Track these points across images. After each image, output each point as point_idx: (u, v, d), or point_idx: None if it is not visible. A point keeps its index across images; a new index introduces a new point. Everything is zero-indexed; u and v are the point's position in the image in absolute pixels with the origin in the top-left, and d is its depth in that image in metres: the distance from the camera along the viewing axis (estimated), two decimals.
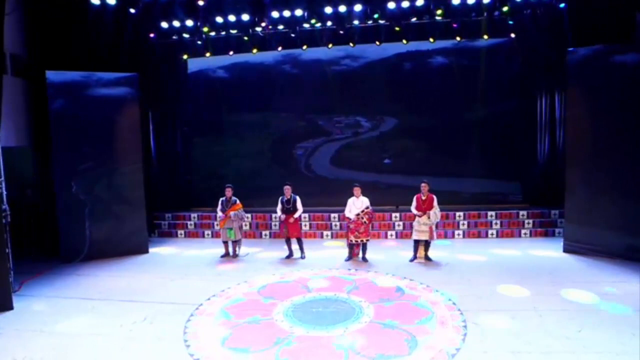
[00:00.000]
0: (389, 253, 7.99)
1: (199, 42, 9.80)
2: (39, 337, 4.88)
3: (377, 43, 9.52)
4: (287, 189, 7.61)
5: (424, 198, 7.25)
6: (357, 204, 7.36)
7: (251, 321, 5.14)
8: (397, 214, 9.33)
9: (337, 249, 8.38)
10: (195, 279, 6.82)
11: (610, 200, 7.08)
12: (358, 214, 7.29)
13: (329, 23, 9.21)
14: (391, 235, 9.24)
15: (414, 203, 7.34)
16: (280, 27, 9.37)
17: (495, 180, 10.11)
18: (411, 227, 7.62)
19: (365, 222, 7.31)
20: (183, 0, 8.76)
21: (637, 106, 6.82)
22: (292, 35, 9.45)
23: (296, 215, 7.60)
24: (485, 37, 9.31)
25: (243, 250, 8.22)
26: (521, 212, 9.12)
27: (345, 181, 9.19)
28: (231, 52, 10.01)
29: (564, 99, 8.61)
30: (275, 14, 8.93)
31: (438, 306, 5.39)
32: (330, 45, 9.67)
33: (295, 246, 7.78)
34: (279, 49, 9.80)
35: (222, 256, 7.99)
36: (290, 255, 7.78)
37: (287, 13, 8.88)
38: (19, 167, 8.76)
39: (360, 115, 10.49)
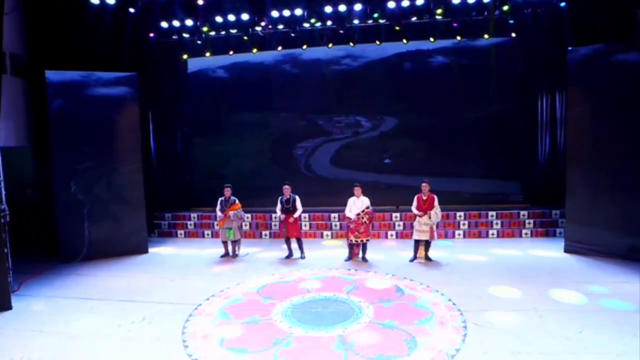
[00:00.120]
0: (389, 253, 7.97)
1: (199, 42, 9.79)
2: (38, 337, 4.87)
3: (377, 43, 9.51)
4: (287, 189, 7.59)
5: (424, 198, 7.22)
6: (357, 204, 7.34)
7: (250, 321, 5.12)
8: (398, 214, 9.30)
9: (336, 248, 8.36)
10: (195, 279, 6.80)
11: (611, 200, 7.05)
12: (358, 214, 7.27)
13: (329, 22, 9.20)
14: (391, 235, 9.21)
15: (415, 203, 7.32)
16: (280, 26, 9.36)
17: (496, 180, 10.07)
18: (411, 227, 7.60)
19: (365, 222, 7.29)
20: None
21: (638, 106, 6.78)
22: (292, 34, 9.44)
23: (296, 215, 7.58)
24: (486, 36, 9.29)
25: (243, 250, 8.21)
26: (522, 212, 9.09)
27: (346, 181, 9.16)
28: (231, 52, 10.00)
29: (564, 99, 8.58)
30: (275, 14, 8.92)
31: (438, 306, 5.36)
32: (330, 45, 9.65)
33: (294, 245, 7.75)
34: (279, 48, 9.79)
35: (222, 256, 7.97)
36: (290, 255, 7.76)
37: (287, 12, 8.87)
38: (19, 167, 8.76)
39: (361, 115, 10.47)
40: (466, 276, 6.49)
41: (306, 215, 9.42)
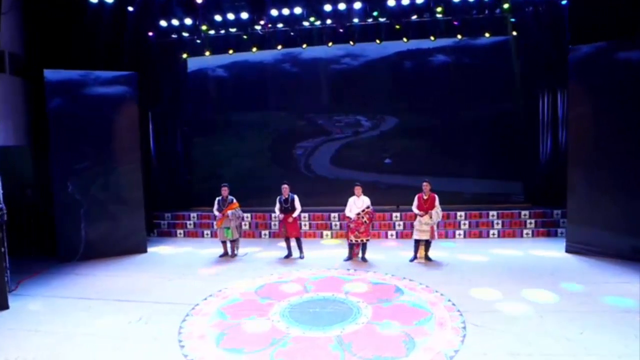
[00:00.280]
0: (389, 253, 7.92)
1: (198, 41, 9.77)
2: (34, 337, 4.84)
3: (378, 41, 9.45)
4: (285, 188, 7.55)
5: (425, 197, 7.17)
6: (357, 204, 7.29)
7: (247, 321, 5.07)
8: (398, 214, 9.25)
9: (336, 248, 8.31)
10: (193, 279, 6.77)
11: (613, 200, 6.97)
12: (358, 214, 7.22)
13: (329, 21, 9.16)
14: (391, 235, 9.16)
15: (416, 202, 7.26)
16: (280, 25, 9.32)
17: (497, 180, 9.99)
18: (412, 227, 7.54)
19: (365, 221, 7.24)
20: None
21: None
22: (292, 33, 9.40)
23: (295, 214, 7.53)
24: (487, 35, 9.22)
25: (242, 250, 8.17)
26: (523, 212, 9.01)
27: (345, 181, 9.09)
28: (231, 51, 9.96)
29: (565, 98, 8.50)
30: (274, 12, 8.88)
31: (437, 307, 5.31)
32: (330, 44, 9.60)
33: (294, 245, 7.71)
34: (279, 47, 9.75)
35: (221, 256, 7.94)
36: (289, 255, 7.72)
37: (286, 11, 8.83)
38: (18, 166, 8.75)
39: (361, 115, 10.41)
40: (466, 276, 6.44)
41: (306, 214, 9.38)
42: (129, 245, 8.21)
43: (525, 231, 8.83)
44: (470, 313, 5.08)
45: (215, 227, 8.28)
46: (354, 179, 8.86)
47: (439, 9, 8.56)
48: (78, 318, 5.35)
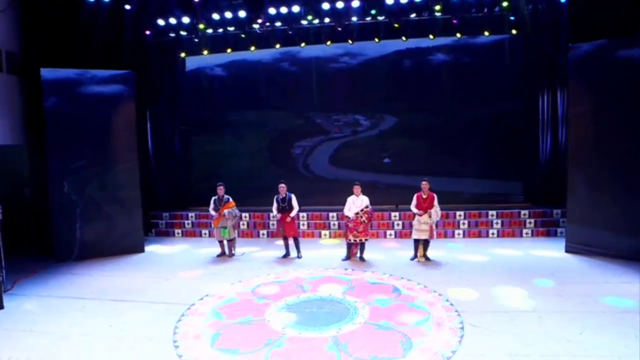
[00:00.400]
0: (388, 253, 7.87)
1: (196, 40, 9.72)
2: (28, 337, 4.80)
3: (376, 40, 9.40)
4: (282, 188, 7.50)
5: (424, 196, 7.12)
6: (356, 203, 7.23)
7: (243, 322, 5.03)
8: (397, 214, 9.19)
9: (334, 248, 8.27)
10: (190, 279, 6.73)
11: (613, 200, 6.91)
12: (357, 213, 7.17)
13: (327, 20, 9.10)
14: (390, 235, 9.10)
15: (414, 201, 7.21)
16: (278, 24, 9.26)
17: (497, 180, 9.93)
18: (410, 226, 7.49)
19: (364, 221, 7.18)
20: None
21: None
22: (290, 32, 9.35)
23: (292, 214, 7.49)
24: (486, 33, 9.15)
25: (239, 249, 8.13)
26: (522, 212, 8.96)
27: (344, 181, 9.00)
28: (229, 50, 9.91)
29: (566, 97, 8.44)
30: (272, 11, 8.83)
31: (435, 307, 5.25)
32: (328, 43, 9.54)
33: (292, 243, 7.66)
34: (277, 46, 9.69)
35: (218, 255, 7.89)
36: (287, 255, 7.67)
37: (284, 10, 8.77)
38: (15, 165, 8.73)
39: (360, 114, 10.37)
40: (465, 276, 6.38)
41: (304, 214, 9.34)
42: (126, 245, 8.17)
43: (524, 231, 8.77)
44: (468, 313, 5.02)
45: (212, 226, 8.24)
46: (352, 178, 8.77)
47: (437, 8, 8.49)
48: (73, 318, 5.30)
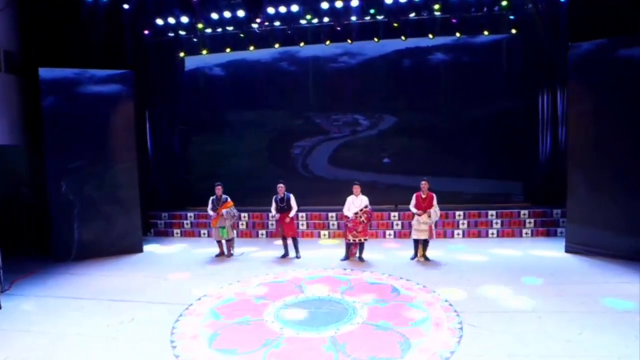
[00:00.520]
0: (387, 253, 7.84)
1: (195, 40, 9.71)
2: (25, 337, 4.78)
3: (376, 40, 9.38)
4: (281, 187, 7.48)
5: (423, 196, 7.09)
6: (356, 203, 7.21)
7: (241, 322, 5.00)
8: (396, 214, 9.17)
9: (333, 248, 8.24)
10: (188, 279, 6.71)
11: (612, 199, 6.88)
12: (356, 213, 7.14)
13: (326, 19, 9.08)
14: (389, 235, 9.08)
15: (413, 201, 7.18)
16: (277, 23, 9.25)
17: (496, 180, 9.90)
18: (410, 226, 7.46)
19: (363, 221, 7.16)
20: None
21: None
22: (289, 32, 9.33)
23: (291, 214, 7.46)
24: (486, 33, 9.13)
25: (238, 249, 8.11)
26: (522, 212, 8.93)
27: (344, 181, 8.94)
28: (228, 50, 9.90)
29: (565, 96, 8.41)
30: (271, 10, 8.80)
31: (434, 307, 5.23)
32: (328, 42, 9.54)
33: (291, 242, 7.64)
34: (276, 46, 9.68)
35: (217, 255, 7.87)
36: (285, 255, 7.65)
37: (283, 9, 8.75)
38: (13, 165, 8.72)
39: (359, 113, 10.34)
40: (464, 276, 6.35)
41: (303, 214, 9.32)
42: (124, 245, 8.15)
43: (524, 231, 8.74)
44: (467, 313, 5.00)
45: (211, 226, 8.21)
46: (352, 178, 8.71)
47: (436, 7, 8.47)
48: (71, 318, 5.28)
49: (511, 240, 8.48)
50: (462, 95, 9.82)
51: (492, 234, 8.81)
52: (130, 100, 8.20)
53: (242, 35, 9.51)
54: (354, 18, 9.05)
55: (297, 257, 7.57)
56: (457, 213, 8.97)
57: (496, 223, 8.89)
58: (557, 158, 9.05)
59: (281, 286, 6.16)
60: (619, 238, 6.80)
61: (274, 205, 7.54)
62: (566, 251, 7.38)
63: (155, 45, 9.90)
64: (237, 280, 6.49)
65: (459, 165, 9.93)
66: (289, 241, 7.64)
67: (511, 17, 8.88)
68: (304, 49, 9.87)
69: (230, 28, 9.44)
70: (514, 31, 9.15)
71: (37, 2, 8.00)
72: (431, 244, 7.28)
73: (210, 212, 7.68)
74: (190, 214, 9.97)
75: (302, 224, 9.35)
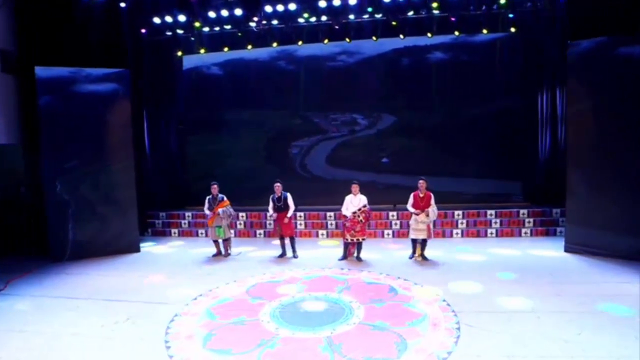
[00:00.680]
0: (385, 252, 7.80)
1: (192, 39, 9.67)
2: (18, 337, 4.74)
3: (374, 38, 9.33)
4: (278, 187, 7.43)
5: (421, 195, 7.04)
6: (354, 202, 7.16)
7: (236, 322, 4.96)
8: (394, 213, 9.12)
9: (332, 248, 8.20)
10: (184, 279, 6.66)
11: (612, 199, 6.82)
12: (355, 212, 7.09)
13: (324, 18, 9.04)
14: (388, 234, 9.03)
15: (411, 200, 7.13)
16: (275, 22, 9.21)
17: (496, 180, 9.83)
18: (408, 226, 7.41)
19: (361, 220, 7.11)
20: None
21: None
22: (287, 30, 9.28)
23: (289, 214, 7.41)
24: (485, 31, 9.08)
25: (235, 249, 8.06)
26: (521, 211, 8.87)
27: (342, 181, 8.89)
28: (225, 49, 9.86)
29: (565, 95, 8.36)
30: (268, 9, 8.76)
31: (432, 307, 5.18)
32: (326, 41, 9.49)
33: (288, 243, 7.59)
34: (274, 45, 9.63)
35: (214, 255, 7.83)
36: (283, 254, 7.61)
37: (280, 7, 8.71)
38: (10, 165, 8.69)
39: (357, 113, 10.29)
40: (463, 276, 6.30)
41: (301, 214, 9.28)
42: (121, 245, 8.11)
43: (523, 230, 8.69)
44: (465, 313, 4.95)
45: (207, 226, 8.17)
46: (350, 178, 8.62)
47: (435, 5, 8.42)
48: (66, 318, 5.24)
49: (510, 240, 8.43)
50: (461, 95, 9.77)
51: (491, 233, 8.76)
52: (127, 100, 8.16)
53: (239, 34, 9.47)
54: (352, 16, 9.01)
55: (294, 256, 7.52)
56: (456, 212, 8.91)
57: (495, 222, 8.84)
58: (557, 157, 8.99)
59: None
60: (618, 238, 6.75)
61: (271, 204, 7.50)
62: (565, 251, 7.33)
63: (153, 44, 9.87)
64: (233, 280, 6.45)
65: (458, 165, 9.87)
66: (287, 241, 7.59)
67: (510, 15, 8.82)
68: (302, 48, 9.82)
69: (228, 27, 9.40)
70: (513, 30, 9.09)
71: (34, 1, 7.96)
72: (434, 244, 7.22)
73: (207, 212, 7.64)
74: (188, 214, 9.93)
75: (300, 224, 9.30)
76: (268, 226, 9.38)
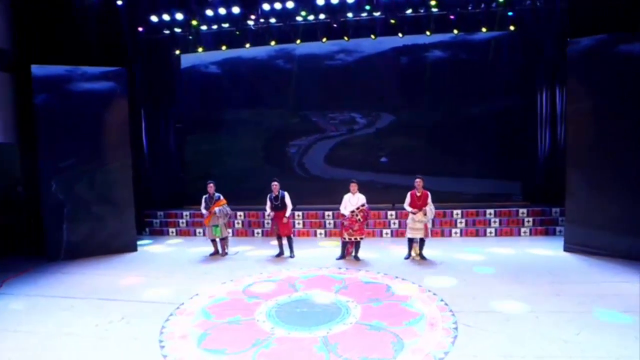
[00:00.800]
0: (383, 252, 7.74)
1: (190, 37, 9.62)
2: (12, 337, 4.69)
3: (373, 37, 9.28)
4: (275, 186, 7.39)
5: (418, 194, 6.98)
6: (352, 201, 7.11)
7: (232, 321, 4.91)
8: (393, 212, 9.07)
9: (330, 247, 8.15)
10: (181, 278, 6.62)
11: (612, 199, 6.76)
12: (353, 211, 7.04)
13: (322, 16, 8.99)
14: (386, 234, 8.98)
15: (408, 199, 7.08)
16: (273, 20, 9.16)
17: (495, 179, 9.77)
18: (407, 225, 7.35)
19: (359, 219, 7.06)
20: None
21: None
22: (285, 29, 9.23)
23: (287, 214, 7.36)
24: (484, 30, 9.02)
25: (232, 248, 8.01)
26: (521, 210, 8.82)
27: (340, 181, 8.80)
28: (223, 47, 9.81)
29: (565, 94, 8.30)
30: (266, 7, 8.71)
31: (429, 307, 5.13)
32: (324, 40, 9.44)
33: (286, 243, 7.54)
34: (272, 43, 9.58)
35: (211, 254, 7.79)
36: (280, 254, 7.56)
37: (278, 5, 8.66)
38: (7, 164, 8.65)
39: (356, 112, 10.25)
40: (461, 276, 6.25)
41: (300, 213, 9.23)
42: (118, 244, 8.07)
43: (523, 230, 8.63)
44: (463, 313, 4.89)
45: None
46: (348, 178, 8.56)
47: (433, 3, 8.37)
48: (60, 317, 5.20)
49: (510, 239, 8.38)
50: (460, 93, 9.72)
51: (491, 232, 8.70)
52: (124, 98, 8.11)
53: (237, 32, 9.43)
54: (350, 15, 8.96)
55: (291, 256, 7.47)
56: (455, 212, 8.86)
57: (494, 222, 8.78)
58: (557, 156, 8.94)
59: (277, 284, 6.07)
60: (618, 237, 6.69)
61: (268, 203, 7.45)
62: (565, 250, 7.27)
63: (151, 43, 9.83)
64: (230, 280, 6.40)
65: (457, 165, 9.82)
66: (284, 240, 7.54)
67: (509, 13, 8.76)
68: (300, 47, 9.78)
69: (225, 25, 9.36)
70: (512, 28, 9.03)
71: None
72: (427, 242, 7.17)
73: (204, 211, 7.60)
74: (185, 213, 9.89)
75: (299, 223, 9.26)
76: (266, 225, 9.33)
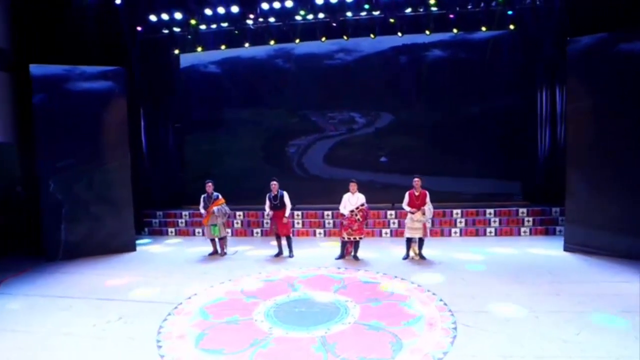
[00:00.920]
0: (382, 251, 7.72)
1: (189, 37, 9.61)
2: (11, 337, 4.68)
3: (372, 36, 9.27)
4: (274, 185, 7.37)
5: (417, 194, 6.96)
6: (352, 200, 7.09)
7: (230, 321, 4.89)
8: (392, 212, 9.04)
9: (329, 247, 8.13)
10: (180, 278, 6.60)
11: (612, 199, 6.74)
12: (352, 211, 7.02)
13: (321, 15, 8.98)
14: (386, 233, 8.96)
15: (407, 199, 7.05)
16: (272, 19, 9.15)
17: (495, 179, 9.75)
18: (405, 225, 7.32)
19: (359, 219, 7.03)
20: None
21: None
22: (284, 28, 9.22)
23: (287, 213, 7.35)
24: (483, 29, 9.01)
25: (231, 248, 8.00)
26: (521, 210, 8.80)
27: (340, 181, 8.76)
28: (223, 47, 9.80)
29: (564, 93, 8.28)
30: (265, 6, 8.70)
31: (428, 307, 5.10)
32: (323, 39, 9.43)
33: (285, 243, 7.53)
34: (271, 43, 9.57)
35: (210, 254, 7.77)
36: (279, 253, 7.54)
37: (277, 4, 8.64)
38: (6, 163, 8.64)
39: (355, 111, 10.24)
40: (460, 275, 6.23)
41: (299, 213, 9.22)
42: (117, 244, 8.06)
43: (522, 229, 8.61)
44: (462, 313, 4.87)
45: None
46: (348, 177, 8.55)
47: (432, 2, 8.36)
48: (58, 317, 5.18)
49: (510, 239, 8.36)
50: (459, 93, 9.70)
51: (490, 232, 8.68)
52: (123, 98, 8.10)
53: (236, 32, 9.42)
54: (349, 14, 8.95)
55: (290, 256, 7.46)
56: (455, 211, 8.84)
57: (494, 222, 8.76)
58: (556, 156, 8.92)
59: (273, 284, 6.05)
60: (618, 237, 6.67)
61: (267, 203, 7.43)
62: (565, 250, 7.25)
63: (150, 42, 9.82)
64: (228, 279, 6.38)
65: (457, 164, 9.80)
66: (283, 240, 7.52)
67: (509, 12, 8.75)
68: (299, 46, 9.77)
69: (224, 25, 9.35)
70: (511, 27, 9.02)
71: None
72: (425, 242, 7.14)
73: (202, 210, 7.59)
74: (185, 213, 9.88)
75: (298, 223, 9.24)
76: (265, 225, 9.31)
